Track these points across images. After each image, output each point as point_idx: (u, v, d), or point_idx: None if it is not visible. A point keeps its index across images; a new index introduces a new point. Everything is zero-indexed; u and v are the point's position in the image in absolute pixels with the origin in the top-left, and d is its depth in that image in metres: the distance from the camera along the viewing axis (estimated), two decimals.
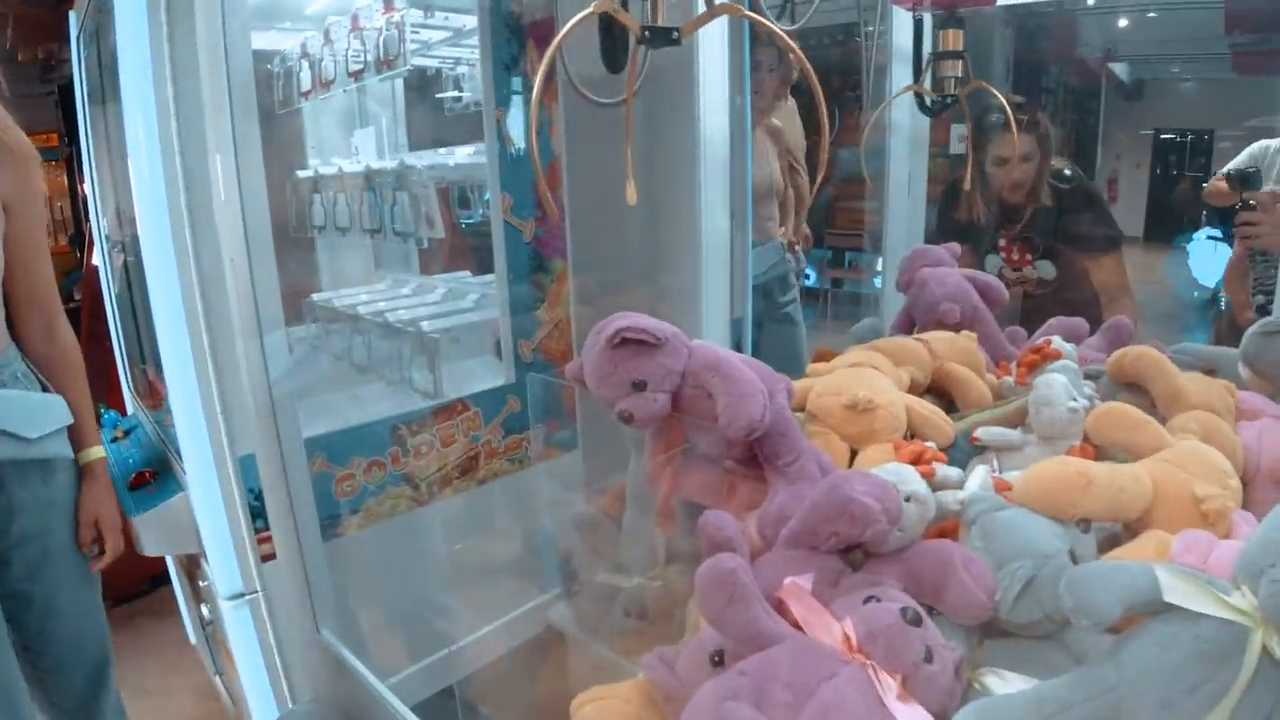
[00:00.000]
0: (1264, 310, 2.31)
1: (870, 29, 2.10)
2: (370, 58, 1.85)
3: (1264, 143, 2.69)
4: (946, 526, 0.95)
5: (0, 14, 4.81)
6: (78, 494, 1.57)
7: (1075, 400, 1.13)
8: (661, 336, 0.98)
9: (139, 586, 3.29)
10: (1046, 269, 2.33)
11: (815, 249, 5.26)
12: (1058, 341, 1.51)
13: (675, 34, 1.05)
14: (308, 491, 1.22)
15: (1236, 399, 1.29)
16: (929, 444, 1.08)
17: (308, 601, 1.07)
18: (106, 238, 2.57)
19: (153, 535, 1.66)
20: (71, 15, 2.43)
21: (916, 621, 0.72)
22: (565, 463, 1.78)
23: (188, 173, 1.33)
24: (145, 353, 2.45)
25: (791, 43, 1.15)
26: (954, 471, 1.03)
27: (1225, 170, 2.07)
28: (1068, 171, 2.32)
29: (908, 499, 0.86)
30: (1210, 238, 4.32)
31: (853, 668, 0.69)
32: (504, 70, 1.69)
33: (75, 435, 1.57)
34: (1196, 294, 5.03)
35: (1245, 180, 1.97)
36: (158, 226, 1.34)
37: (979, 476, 1.00)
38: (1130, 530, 0.97)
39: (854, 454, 1.14)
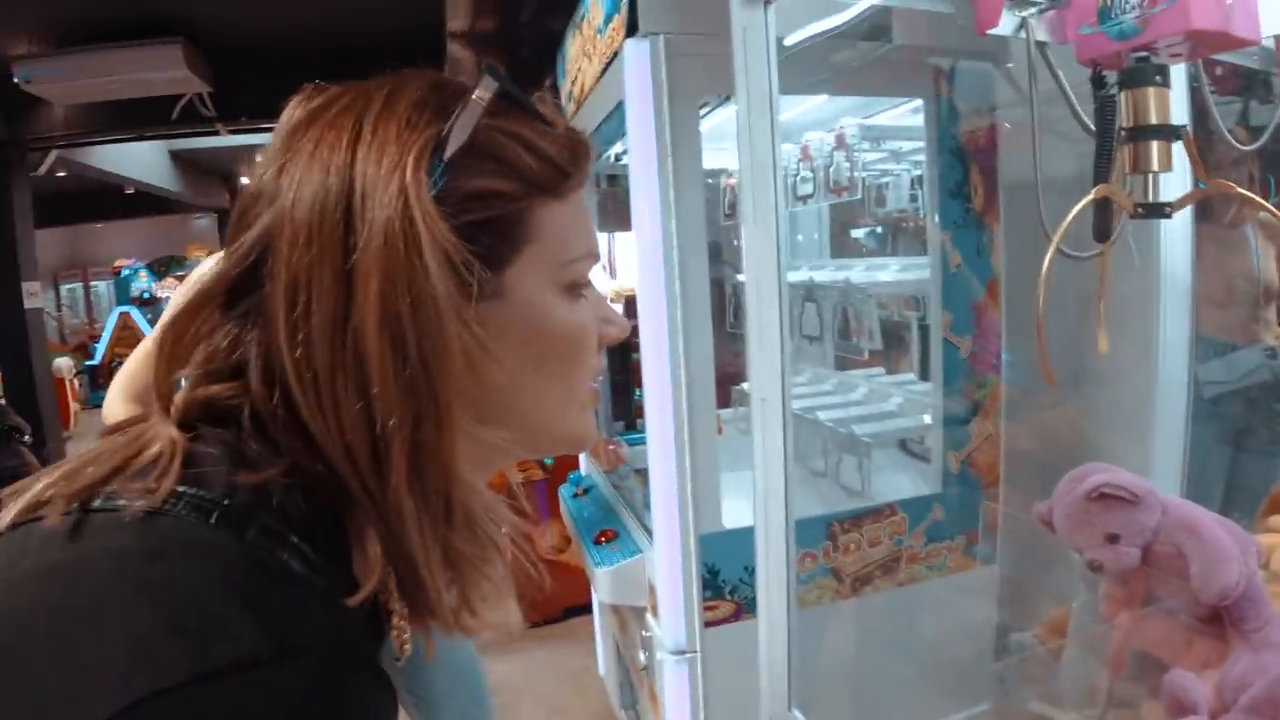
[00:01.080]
0: None
1: None
2: (819, 179, 2.06)
3: None
4: None
5: None
6: None
7: None
8: (1139, 493, 1.02)
9: (556, 614, 3.77)
10: None
11: None
12: None
13: (1167, 209, 1.09)
14: (789, 568, 1.38)
15: None
16: None
17: (786, 675, 1.23)
18: None
19: (610, 585, 1.96)
20: None
21: None
22: (984, 575, 1.81)
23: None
24: (600, 419, 2.87)
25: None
26: None
27: None
28: None
29: None
30: None
31: None
32: (949, 195, 1.80)
33: None
34: None
35: None
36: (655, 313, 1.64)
37: None
38: None
39: None
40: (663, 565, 1.71)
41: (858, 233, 2.61)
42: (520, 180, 0.54)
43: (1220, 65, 1.35)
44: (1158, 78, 1.04)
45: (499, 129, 0.53)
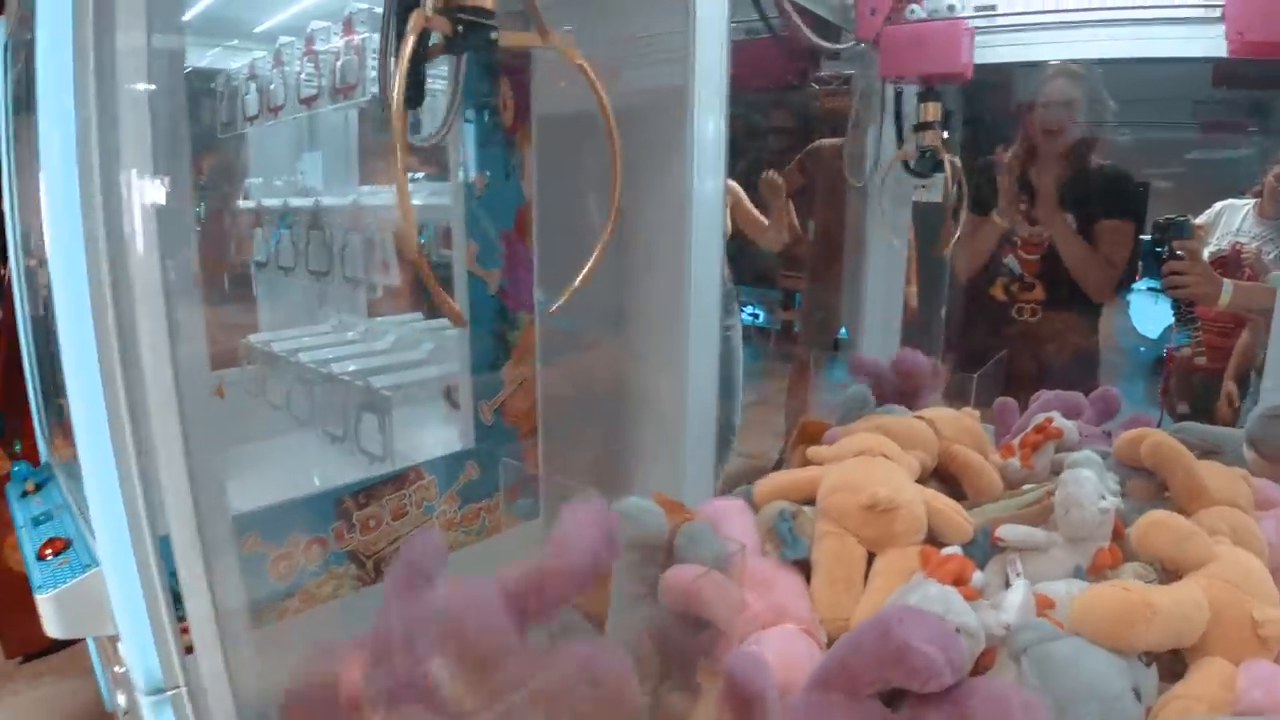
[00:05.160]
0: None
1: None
2: (325, 83, 1.70)
3: (1225, 202, 2.70)
4: (982, 660, 0.85)
5: None
6: None
7: (1105, 499, 1.04)
8: None
9: (46, 643, 3.02)
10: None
11: (768, 290, 5.21)
12: (1059, 419, 1.43)
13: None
14: (235, 580, 1.07)
15: (1255, 489, 1.21)
16: (954, 549, 0.97)
17: (229, 700, 0.92)
18: (24, 257, 2.35)
19: (61, 616, 1.46)
20: None
21: None
22: (526, 530, 1.64)
23: (106, 194, 1.16)
24: (61, 389, 2.24)
25: None
26: (979, 576, 0.92)
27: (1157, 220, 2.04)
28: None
29: (956, 632, 0.75)
30: (1150, 289, 4.35)
31: None
32: (476, 108, 1.56)
33: None
34: (1142, 348, 5.10)
35: (1171, 229, 1.95)
36: (69, 254, 1.17)
37: (1019, 594, 0.89)
38: (1181, 655, 0.88)
39: (870, 558, 1.03)
40: (114, 578, 1.28)
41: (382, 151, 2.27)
42: None
43: None
44: None
45: None
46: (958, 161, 2.02)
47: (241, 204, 2.06)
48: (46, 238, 1.19)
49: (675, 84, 1.42)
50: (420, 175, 1.90)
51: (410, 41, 0.88)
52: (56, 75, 1.03)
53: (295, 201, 1.82)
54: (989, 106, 2.69)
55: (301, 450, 1.77)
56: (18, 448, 2.85)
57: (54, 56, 1.03)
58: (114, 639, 1.59)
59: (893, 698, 0.78)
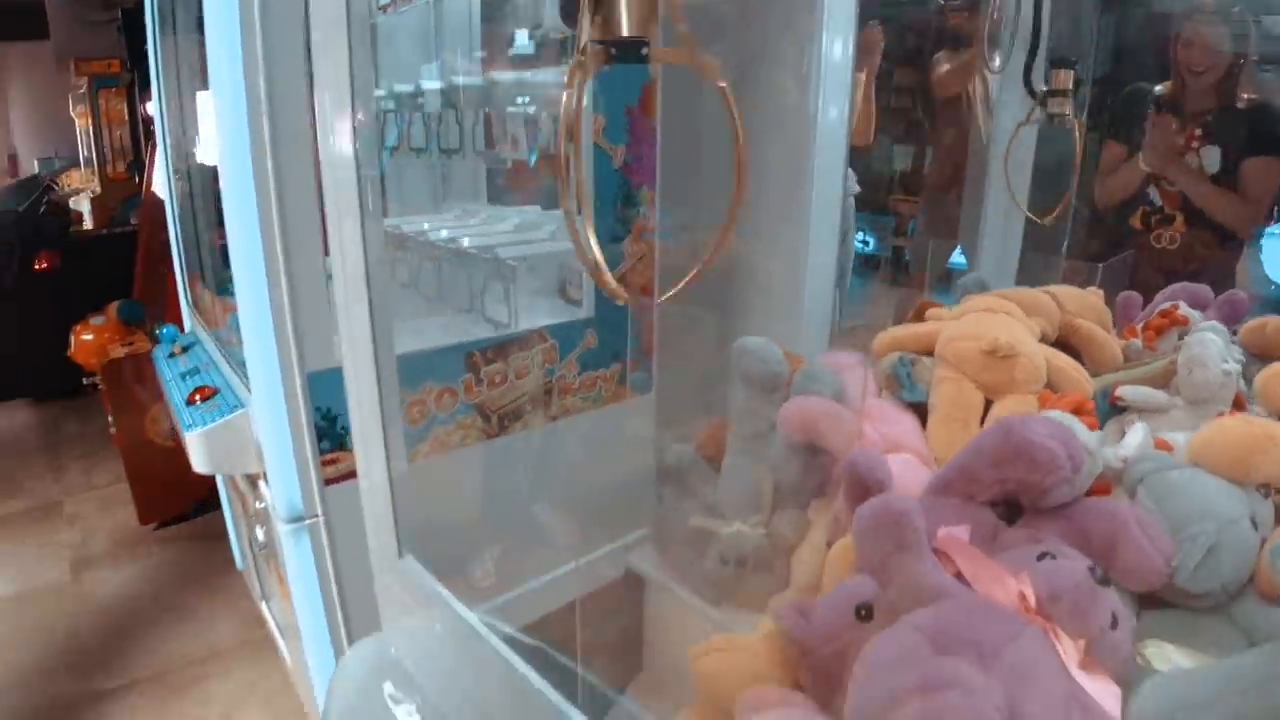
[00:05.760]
0: None
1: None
2: None
3: None
4: (1096, 487, 0.86)
5: None
6: None
7: (1228, 362, 1.03)
8: None
9: (184, 510, 3.27)
10: (1211, 158, 2.27)
11: (879, 215, 5.07)
12: (1185, 308, 1.40)
13: None
14: (396, 411, 1.14)
15: None
16: None
17: (392, 527, 1.00)
18: (172, 161, 2.52)
19: (207, 452, 1.60)
20: None
21: (1105, 582, 0.63)
22: (641, 404, 1.70)
23: (270, 86, 1.26)
24: (205, 273, 2.40)
25: None
26: (1096, 435, 0.93)
27: None
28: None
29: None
30: None
31: (1035, 630, 0.60)
32: None
33: None
34: (1274, 286, 4.80)
35: None
36: (236, 139, 1.27)
37: (1138, 434, 0.90)
38: None
39: (988, 406, 1.04)
40: (265, 414, 1.40)
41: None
42: None
43: None
44: None
45: None
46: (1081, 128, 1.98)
47: (374, 93, 2.15)
48: (216, 122, 1.31)
49: None
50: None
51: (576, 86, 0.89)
52: None
53: (427, 84, 1.89)
54: (1135, 32, 2.60)
55: (430, 324, 1.86)
56: (157, 332, 3.08)
57: None
58: (253, 478, 1.74)
59: (1009, 517, 0.80)
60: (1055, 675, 0.58)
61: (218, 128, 1.32)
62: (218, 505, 2.88)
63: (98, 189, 5.36)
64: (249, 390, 1.55)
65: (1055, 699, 0.56)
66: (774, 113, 1.57)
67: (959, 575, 0.67)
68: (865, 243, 5.86)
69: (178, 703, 2.37)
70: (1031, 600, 0.63)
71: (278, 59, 1.25)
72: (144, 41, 2.48)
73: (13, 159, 7.84)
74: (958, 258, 2.80)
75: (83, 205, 5.35)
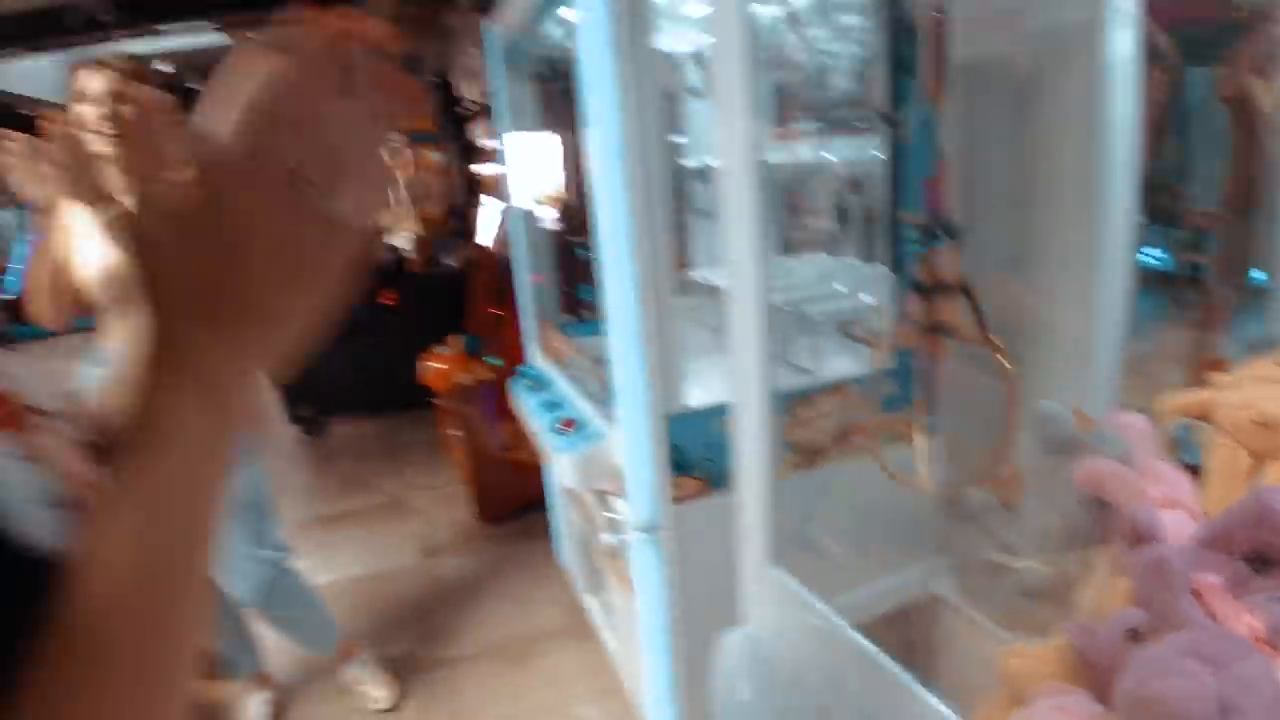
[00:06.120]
0: None
1: None
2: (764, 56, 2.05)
3: None
4: None
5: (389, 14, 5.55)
6: None
7: None
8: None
9: (509, 512, 3.85)
10: None
11: (1169, 227, 4.84)
12: None
13: None
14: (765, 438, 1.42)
15: None
16: None
17: (763, 536, 1.29)
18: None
19: (574, 471, 2.01)
20: (492, 29, 2.85)
21: None
22: (932, 444, 1.91)
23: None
24: (552, 315, 2.87)
25: None
26: None
27: None
28: None
29: None
30: None
31: (1261, 655, 0.79)
32: (900, 73, 1.82)
33: None
34: None
35: None
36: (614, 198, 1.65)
37: None
38: None
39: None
40: (629, 446, 1.76)
41: (805, 113, 2.61)
42: None
43: None
44: None
45: None
46: None
47: (683, 163, 2.50)
48: (599, 189, 1.68)
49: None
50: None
51: None
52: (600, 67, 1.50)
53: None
54: None
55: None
56: (490, 361, 3.65)
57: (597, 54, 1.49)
58: (602, 492, 2.13)
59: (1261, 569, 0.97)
60: (1270, 687, 0.77)
61: (599, 191, 1.71)
62: (537, 509, 3.39)
63: (419, 231, 6.23)
64: (603, 420, 1.93)
65: (1265, 703, 0.75)
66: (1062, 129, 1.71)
67: (1210, 613, 0.86)
68: (1156, 257, 5.59)
69: (514, 673, 2.85)
70: (1261, 632, 0.82)
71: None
72: (455, 101, 2.98)
73: None
74: (1260, 272, 2.72)
75: (404, 245, 6.24)
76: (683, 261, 2.57)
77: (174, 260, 0.45)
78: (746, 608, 1.35)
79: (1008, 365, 1.46)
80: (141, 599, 0.44)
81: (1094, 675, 0.95)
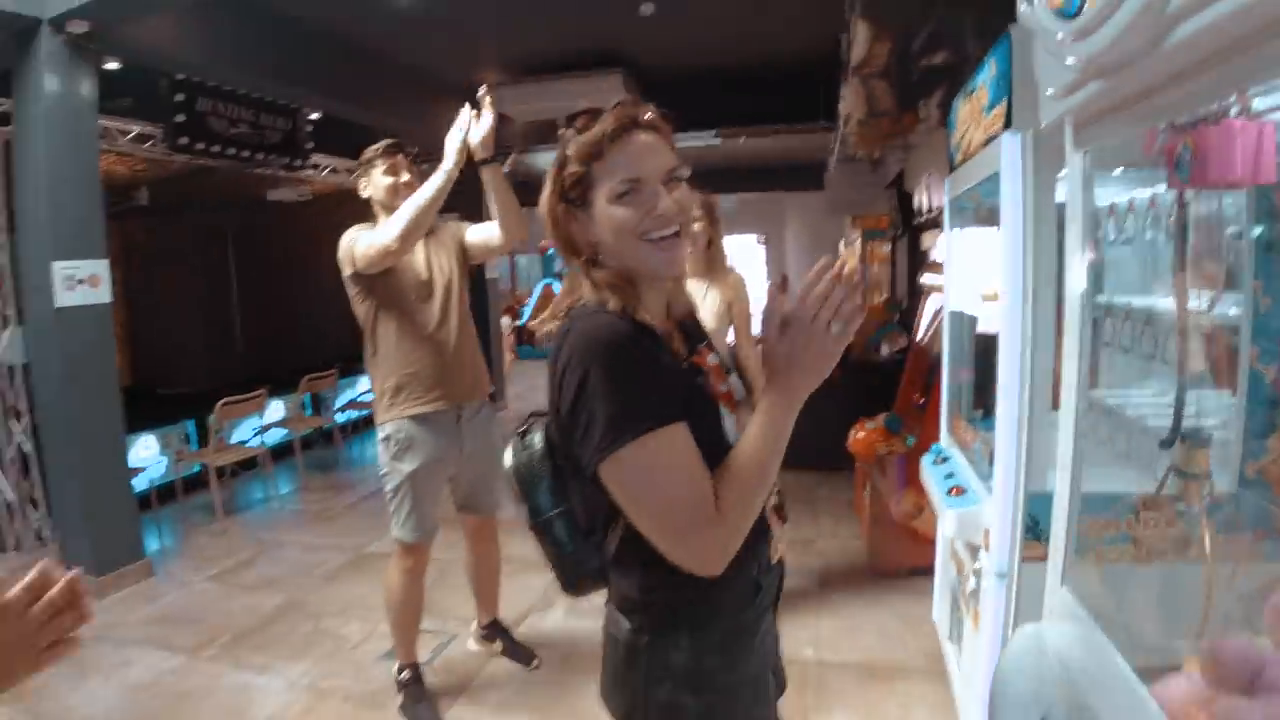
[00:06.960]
0: None
1: None
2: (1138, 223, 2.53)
3: None
4: None
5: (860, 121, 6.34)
6: None
7: None
8: None
9: (900, 571, 4.48)
10: None
11: None
12: None
13: None
14: (1072, 520, 1.95)
15: None
16: None
17: (1061, 563, 1.85)
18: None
19: (955, 524, 2.64)
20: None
21: None
22: (1268, 570, 2.22)
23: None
24: (963, 407, 3.49)
25: None
26: None
27: None
28: None
29: None
30: None
31: None
32: (1263, 249, 2.22)
33: None
34: None
35: None
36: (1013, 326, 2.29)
37: None
38: None
39: None
40: (999, 511, 2.37)
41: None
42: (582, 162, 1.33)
43: None
44: None
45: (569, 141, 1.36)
46: None
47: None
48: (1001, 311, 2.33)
49: None
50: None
51: None
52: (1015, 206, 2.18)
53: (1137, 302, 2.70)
54: None
55: (1111, 470, 2.63)
56: (909, 441, 4.27)
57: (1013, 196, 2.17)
58: (973, 546, 2.72)
59: None
60: None
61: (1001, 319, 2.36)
62: (924, 574, 3.96)
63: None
64: (985, 491, 2.54)
65: None
66: None
67: None
68: None
69: (871, 689, 3.49)
70: None
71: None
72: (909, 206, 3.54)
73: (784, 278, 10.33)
74: None
75: None
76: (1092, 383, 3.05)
77: (787, 355, 1.28)
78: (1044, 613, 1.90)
79: None
80: (759, 460, 1.30)
81: None
